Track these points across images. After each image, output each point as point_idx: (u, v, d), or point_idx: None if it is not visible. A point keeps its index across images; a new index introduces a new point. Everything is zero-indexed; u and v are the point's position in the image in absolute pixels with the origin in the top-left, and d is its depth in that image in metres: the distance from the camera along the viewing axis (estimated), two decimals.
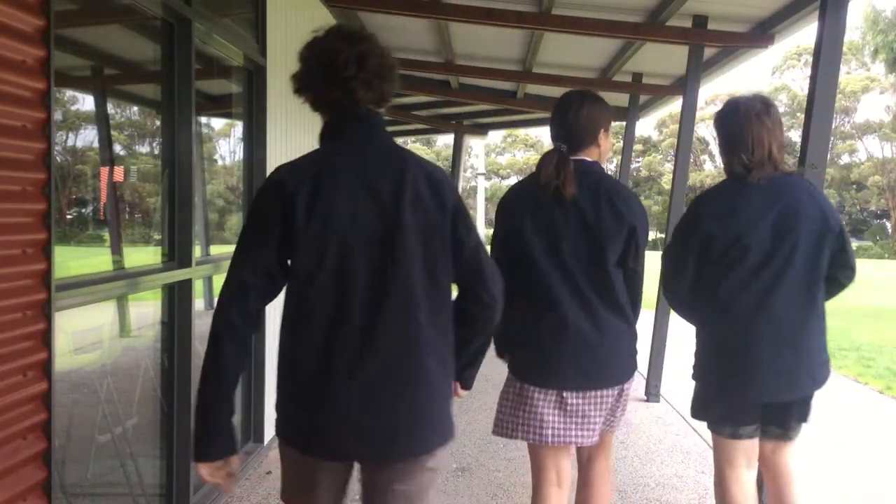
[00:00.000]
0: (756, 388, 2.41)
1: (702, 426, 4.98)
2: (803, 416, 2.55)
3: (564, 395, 2.40)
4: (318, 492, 1.91)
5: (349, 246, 1.68)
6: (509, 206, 2.47)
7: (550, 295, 2.36)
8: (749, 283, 2.38)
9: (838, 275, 2.56)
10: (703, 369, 2.53)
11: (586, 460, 2.71)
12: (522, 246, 2.38)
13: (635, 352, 2.49)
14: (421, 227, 1.70)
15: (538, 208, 2.37)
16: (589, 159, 2.42)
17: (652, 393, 5.70)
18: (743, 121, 2.42)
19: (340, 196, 1.69)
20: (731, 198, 2.43)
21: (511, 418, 2.55)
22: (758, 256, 2.36)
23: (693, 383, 2.60)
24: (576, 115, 2.42)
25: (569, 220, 2.34)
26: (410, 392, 1.71)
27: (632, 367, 2.48)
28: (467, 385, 2.11)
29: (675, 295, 2.61)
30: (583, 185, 2.33)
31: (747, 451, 2.51)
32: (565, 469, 2.57)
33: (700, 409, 2.59)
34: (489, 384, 6.06)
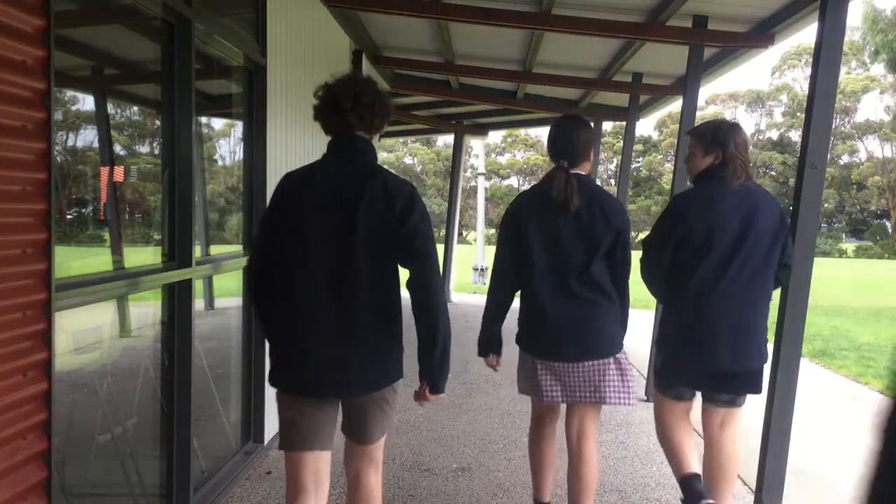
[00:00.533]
0: (716, 358, 2.88)
1: (702, 426, 4.98)
2: (755, 387, 3.01)
3: (556, 364, 2.98)
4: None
5: (313, 235, 2.27)
6: (516, 213, 3.03)
7: (539, 283, 2.95)
8: (718, 270, 2.84)
9: (779, 273, 2.98)
10: (670, 341, 3.00)
11: (576, 436, 3.10)
12: (526, 245, 2.95)
13: (618, 332, 2.99)
14: (370, 225, 2.24)
15: (542, 214, 2.95)
16: (583, 173, 3.01)
17: (652, 393, 5.69)
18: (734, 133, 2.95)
19: (312, 197, 2.31)
20: (709, 198, 2.90)
21: (523, 379, 3.16)
22: (726, 248, 2.83)
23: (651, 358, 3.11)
24: (576, 137, 3.01)
25: (568, 224, 2.91)
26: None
27: (612, 347, 2.96)
28: (436, 389, 2.41)
29: (653, 277, 3.04)
30: (581, 196, 2.90)
31: (686, 408, 3.15)
32: (554, 421, 3.28)
33: (664, 375, 3.07)
34: (489, 384, 6.07)
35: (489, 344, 3.14)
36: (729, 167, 2.89)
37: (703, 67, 5.81)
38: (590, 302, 2.91)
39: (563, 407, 3.17)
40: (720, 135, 2.94)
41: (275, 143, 4.27)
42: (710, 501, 2.99)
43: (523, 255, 2.97)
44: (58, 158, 2.24)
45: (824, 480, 4.17)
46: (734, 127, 2.99)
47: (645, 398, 5.71)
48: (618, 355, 2.97)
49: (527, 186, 61.43)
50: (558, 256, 2.92)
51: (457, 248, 13.43)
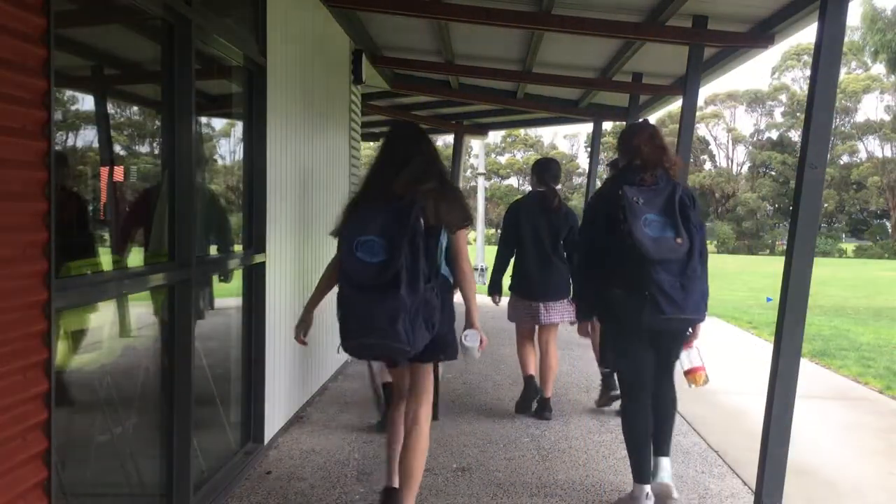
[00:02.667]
0: (651, 316, 3.28)
1: (702, 426, 4.99)
2: (687, 338, 3.65)
3: (534, 303, 5.09)
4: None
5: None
6: (514, 213, 5.20)
7: (530, 257, 5.05)
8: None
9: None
10: (612, 310, 3.51)
11: (544, 344, 5.19)
12: (519, 233, 5.09)
13: (568, 284, 4.99)
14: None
15: (531, 212, 5.09)
16: (557, 188, 5.18)
17: None
18: (637, 135, 3.61)
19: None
20: (621, 186, 3.41)
21: (513, 313, 5.25)
22: (650, 230, 3.31)
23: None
24: (559, 170, 5.34)
25: (546, 220, 5.04)
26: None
27: (566, 292, 5.02)
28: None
29: (591, 256, 3.64)
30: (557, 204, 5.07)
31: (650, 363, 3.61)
32: (531, 336, 5.24)
33: (612, 338, 3.68)
34: (489, 384, 6.07)
35: (497, 287, 5.30)
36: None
37: (703, 67, 5.81)
38: (555, 266, 5.03)
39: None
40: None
41: (275, 142, 4.28)
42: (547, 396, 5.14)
43: (517, 235, 5.10)
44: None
45: (824, 481, 4.17)
46: (654, 128, 3.67)
47: None
48: (569, 297, 4.98)
49: (526, 186, 61.47)
50: (538, 238, 5.03)
51: None
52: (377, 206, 2.96)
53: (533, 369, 5.17)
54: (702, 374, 3.80)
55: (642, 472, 3.47)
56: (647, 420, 3.53)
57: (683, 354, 3.69)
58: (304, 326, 3.46)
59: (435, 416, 4.35)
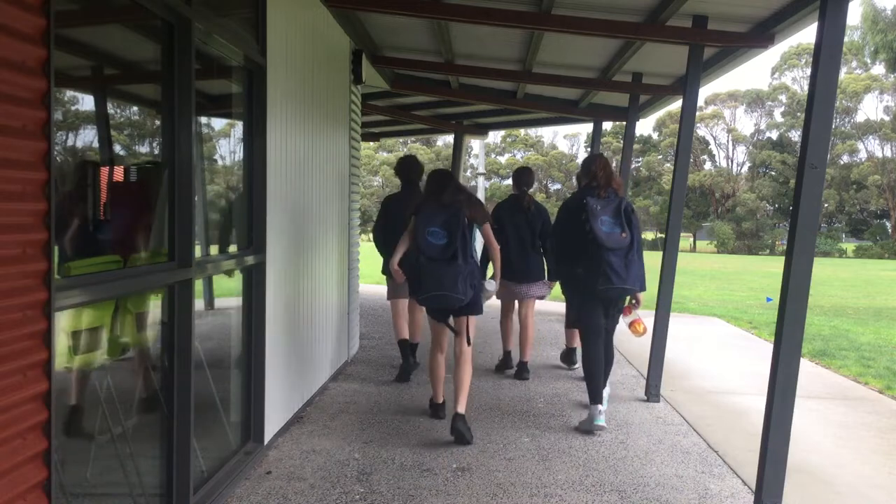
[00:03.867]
0: (603, 286, 4.67)
1: (703, 426, 4.99)
2: (630, 304, 5.02)
3: (516, 286, 6.33)
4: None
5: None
6: (499, 211, 6.34)
7: (512, 248, 6.17)
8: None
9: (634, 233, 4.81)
10: (576, 283, 4.96)
11: (523, 317, 6.43)
12: (503, 229, 6.11)
13: (542, 268, 6.29)
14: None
15: (512, 212, 6.27)
16: (530, 191, 6.41)
17: (652, 393, 5.69)
18: (594, 162, 5.05)
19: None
20: (585, 197, 4.85)
21: (499, 292, 6.19)
22: (604, 227, 4.70)
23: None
24: (530, 176, 6.51)
25: (522, 217, 6.24)
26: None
27: (540, 275, 6.32)
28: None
29: (565, 246, 5.05)
30: (532, 204, 6.28)
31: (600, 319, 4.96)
32: (512, 311, 6.55)
33: (575, 303, 5.05)
34: (488, 384, 6.07)
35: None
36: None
37: (702, 67, 5.81)
38: (531, 255, 6.26)
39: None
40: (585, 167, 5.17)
41: (274, 142, 4.28)
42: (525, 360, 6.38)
43: (501, 232, 6.04)
44: (57, 158, 2.24)
45: (824, 480, 4.17)
46: (601, 157, 5.17)
47: (645, 398, 5.71)
48: (543, 280, 6.37)
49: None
50: (518, 233, 6.23)
51: None
52: (436, 209, 4.72)
53: (511, 344, 6.66)
54: (640, 324, 5.07)
55: (597, 395, 4.84)
56: (601, 359, 4.92)
57: (626, 317, 5.06)
58: (398, 275, 5.01)
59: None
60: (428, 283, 4.59)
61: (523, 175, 6.47)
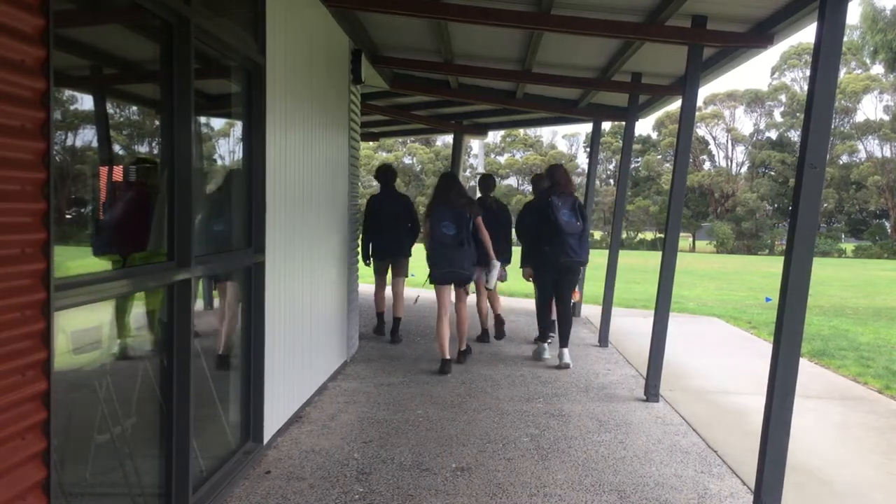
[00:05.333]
0: (564, 259, 6.57)
1: (702, 426, 4.99)
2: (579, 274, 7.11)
3: (484, 267, 7.24)
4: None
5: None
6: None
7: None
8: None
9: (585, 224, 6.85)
10: (537, 260, 6.83)
11: (486, 299, 8.02)
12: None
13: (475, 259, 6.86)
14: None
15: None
16: (491, 194, 8.13)
17: (651, 393, 5.69)
18: (556, 171, 7.05)
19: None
20: (551, 196, 6.72)
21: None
22: (565, 217, 6.60)
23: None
24: (492, 182, 8.23)
25: (490, 216, 7.31)
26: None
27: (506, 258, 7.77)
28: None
29: (531, 232, 6.91)
30: (495, 204, 7.88)
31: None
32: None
33: (540, 274, 6.94)
34: (488, 384, 6.08)
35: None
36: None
37: (702, 67, 5.81)
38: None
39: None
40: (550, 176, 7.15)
41: (274, 142, 4.27)
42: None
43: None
44: (57, 158, 2.24)
45: (823, 480, 4.17)
46: (561, 166, 7.21)
47: (644, 398, 5.71)
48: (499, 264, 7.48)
49: (526, 185, 61.05)
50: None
51: None
52: (445, 207, 6.49)
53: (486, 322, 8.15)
54: (577, 293, 7.98)
55: (545, 335, 7.22)
56: (550, 311, 7.20)
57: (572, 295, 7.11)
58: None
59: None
60: (442, 263, 6.47)
61: (486, 181, 8.19)
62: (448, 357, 6.49)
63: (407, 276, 8.01)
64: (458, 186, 6.64)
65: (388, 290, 8.09)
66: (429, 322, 9.34)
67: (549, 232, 6.62)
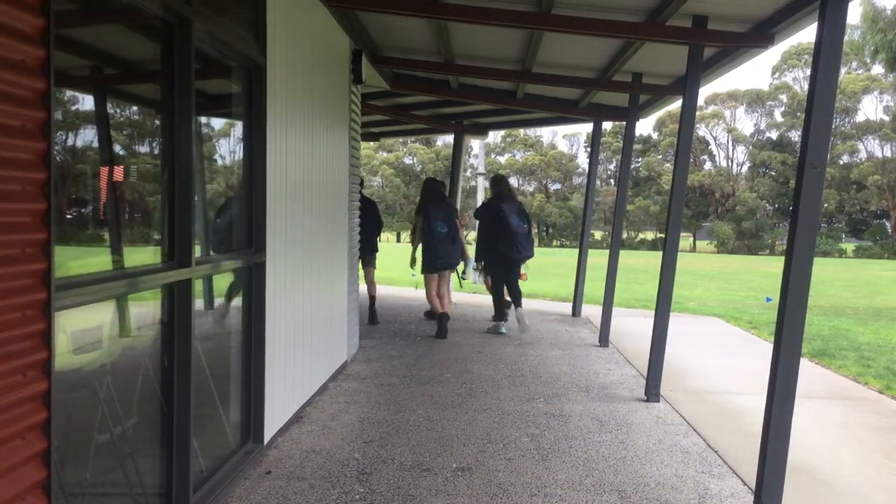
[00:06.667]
0: (515, 255, 8.32)
1: (702, 426, 4.99)
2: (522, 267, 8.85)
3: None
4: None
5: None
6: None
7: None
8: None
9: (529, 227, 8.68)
10: (494, 257, 8.46)
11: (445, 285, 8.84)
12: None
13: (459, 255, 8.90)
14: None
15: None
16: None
17: (652, 393, 5.69)
18: (501, 182, 8.83)
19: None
20: (500, 204, 8.42)
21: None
22: (514, 221, 8.28)
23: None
24: (442, 186, 9.23)
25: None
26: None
27: (458, 260, 8.85)
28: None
29: (485, 234, 8.52)
30: (449, 207, 8.82)
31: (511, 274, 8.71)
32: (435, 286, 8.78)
33: (496, 269, 8.50)
34: (489, 384, 6.08)
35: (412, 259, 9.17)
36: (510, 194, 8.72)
37: (702, 67, 5.81)
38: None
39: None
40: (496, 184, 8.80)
41: (274, 142, 4.27)
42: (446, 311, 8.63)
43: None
44: (57, 158, 2.24)
45: (823, 480, 4.17)
46: (501, 179, 8.86)
47: (644, 398, 5.71)
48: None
49: (525, 185, 60.72)
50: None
51: None
52: (438, 210, 8.36)
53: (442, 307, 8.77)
54: (525, 275, 9.06)
55: (501, 315, 8.69)
56: (503, 295, 8.61)
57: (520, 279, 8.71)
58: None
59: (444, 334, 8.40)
60: (440, 255, 8.29)
61: (435, 186, 9.28)
62: (442, 311, 8.32)
63: (376, 268, 9.44)
64: (443, 192, 9.03)
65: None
66: (429, 323, 9.34)
67: (502, 233, 8.19)
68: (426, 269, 8.33)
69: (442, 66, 7.92)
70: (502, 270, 8.44)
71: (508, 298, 8.70)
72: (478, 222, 9.26)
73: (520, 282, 8.76)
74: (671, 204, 5.72)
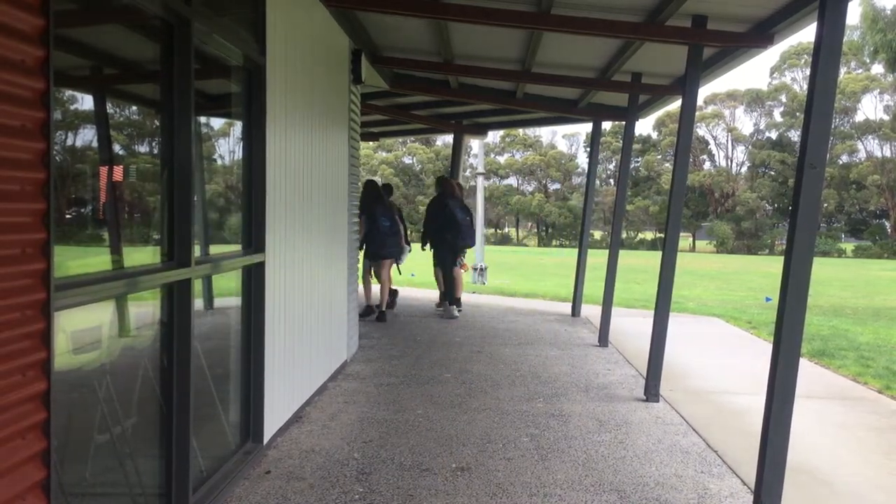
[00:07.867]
0: (461, 243, 9.98)
1: (702, 426, 4.99)
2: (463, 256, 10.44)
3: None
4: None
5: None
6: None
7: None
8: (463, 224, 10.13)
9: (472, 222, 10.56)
10: (444, 246, 10.00)
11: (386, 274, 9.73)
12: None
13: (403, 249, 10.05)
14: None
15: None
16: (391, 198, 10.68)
17: (651, 393, 5.69)
18: (444, 182, 10.37)
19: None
20: (446, 200, 10.01)
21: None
22: (460, 215, 9.96)
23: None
24: (390, 190, 10.55)
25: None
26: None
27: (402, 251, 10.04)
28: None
29: (433, 227, 10.15)
30: (393, 208, 9.94)
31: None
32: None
33: (443, 256, 10.11)
34: (488, 384, 6.08)
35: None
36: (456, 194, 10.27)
37: (702, 67, 5.81)
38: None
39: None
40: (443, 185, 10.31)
41: (274, 142, 4.27)
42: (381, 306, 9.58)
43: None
44: (57, 158, 2.24)
45: (823, 480, 4.17)
46: (445, 180, 10.44)
47: (644, 398, 5.72)
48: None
49: (525, 185, 60.80)
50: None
51: None
52: (383, 209, 9.26)
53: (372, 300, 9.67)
54: (467, 266, 11.30)
55: (454, 302, 9.85)
56: (452, 280, 9.94)
57: (458, 265, 10.10)
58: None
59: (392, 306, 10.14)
60: (382, 245, 9.23)
61: (387, 189, 10.22)
62: (371, 304, 9.42)
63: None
64: (389, 196, 10.16)
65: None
66: (428, 324, 9.35)
67: (449, 225, 9.76)
68: (371, 258, 9.42)
69: (441, 66, 7.92)
70: (448, 256, 9.94)
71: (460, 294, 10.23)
72: (426, 214, 10.67)
73: (463, 273, 10.50)
74: (671, 204, 5.72)
